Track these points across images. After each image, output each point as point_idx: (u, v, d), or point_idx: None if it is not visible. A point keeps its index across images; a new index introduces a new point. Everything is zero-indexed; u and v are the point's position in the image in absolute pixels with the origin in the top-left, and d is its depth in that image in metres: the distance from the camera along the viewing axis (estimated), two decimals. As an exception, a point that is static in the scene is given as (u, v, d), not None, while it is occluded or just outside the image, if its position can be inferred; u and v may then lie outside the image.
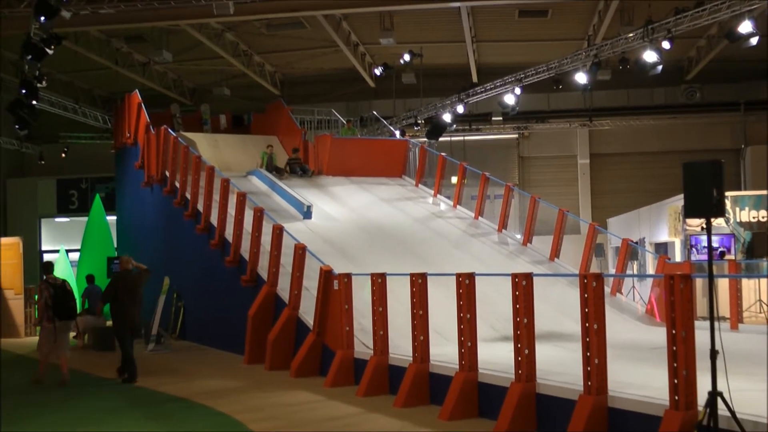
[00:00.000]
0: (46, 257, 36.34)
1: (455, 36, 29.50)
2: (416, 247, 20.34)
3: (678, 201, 22.74)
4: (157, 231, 24.95)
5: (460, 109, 29.43)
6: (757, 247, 22.08)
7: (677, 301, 8.33)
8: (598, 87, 30.26)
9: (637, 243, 23.46)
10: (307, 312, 15.90)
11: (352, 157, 26.57)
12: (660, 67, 22.71)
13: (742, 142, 33.86)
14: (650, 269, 24.31)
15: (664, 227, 24.71)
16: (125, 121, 27.98)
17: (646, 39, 22.32)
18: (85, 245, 27.88)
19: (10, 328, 24.54)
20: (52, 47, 19.80)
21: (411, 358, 12.42)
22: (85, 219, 29.54)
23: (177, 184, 22.62)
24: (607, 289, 18.51)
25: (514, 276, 10.50)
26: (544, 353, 11.56)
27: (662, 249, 24.64)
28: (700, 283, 19.29)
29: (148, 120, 25.43)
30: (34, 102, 22.70)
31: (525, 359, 10.25)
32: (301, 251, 16.18)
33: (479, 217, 23.40)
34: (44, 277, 15.85)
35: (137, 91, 27.23)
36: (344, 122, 29.71)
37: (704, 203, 8.03)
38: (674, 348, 8.31)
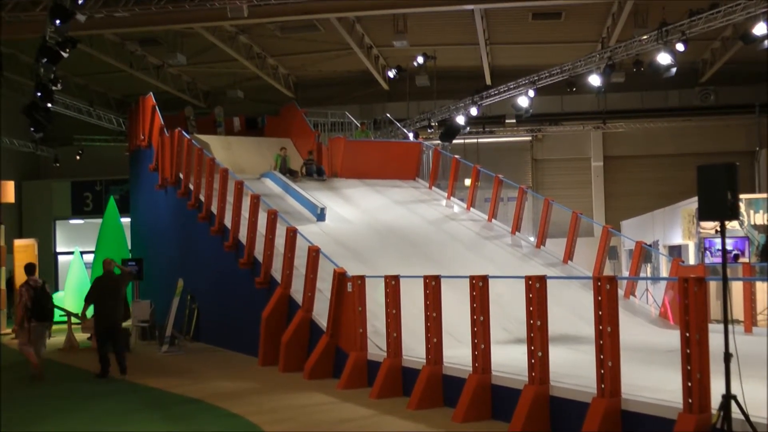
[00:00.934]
0: (61, 259, 36.53)
1: (469, 38, 29.51)
2: (430, 249, 20.35)
3: (692, 204, 22.68)
4: (171, 233, 25.02)
5: (474, 111, 29.45)
6: (772, 249, 21.99)
7: (691, 304, 8.31)
8: (611, 89, 30.23)
9: (650, 246, 23.40)
10: (321, 314, 15.92)
11: (365, 160, 26.58)
12: (674, 70, 22.69)
13: (756, 144, 33.71)
14: (664, 272, 24.25)
15: (677, 230, 24.65)
16: (139, 123, 28.06)
17: (660, 41, 22.28)
18: (100, 247, 27.94)
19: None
20: (67, 50, 19.91)
21: (424, 360, 12.42)
22: (99, 221, 29.61)
23: (191, 187, 22.67)
24: (621, 292, 18.47)
25: (528, 278, 10.50)
26: (558, 356, 11.56)
27: (676, 252, 24.58)
28: (713, 286, 19.21)
29: (162, 123, 25.49)
30: (50, 105, 22.81)
31: (538, 361, 10.25)
32: (314, 253, 16.19)
33: (493, 220, 23.39)
34: (26, 280, 16.39)
35: (151, 93, 27.32)
36: (358, 125, 29.73)
37: (719, 206, 8.02)
38: (688, 351, 8.29)
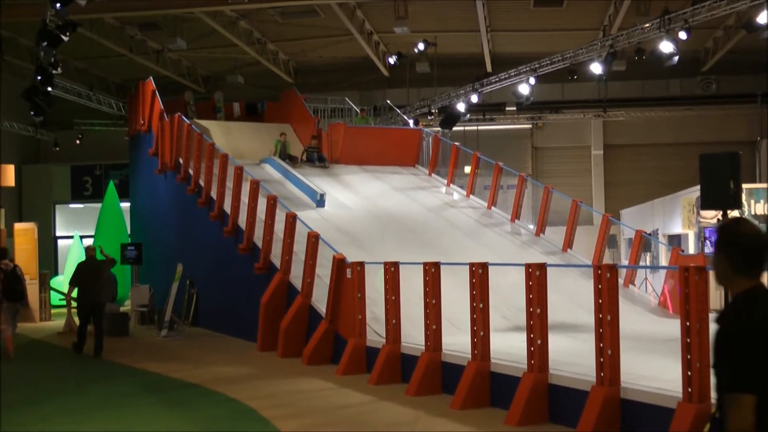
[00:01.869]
0: (61, 243, 36.52)
1: (470, 25, 29.42)
2: (429, 236, 20.34)
3: (692, 193, 22.67)
4: (171, 218, 25.02)
5: (474, 98, 29.36)
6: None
7: (692, 293, 8.31)
8: (613, 77, 30.12)
9: (650, 235, 23.39)
10: (320, 300, 15.93)
11: (365, 146, 26.55)
12: (676, 58, 22.61)
13: (758, 134, 33.67)
14: (663, 261, 24.27)
15: (677, 219, 24.65)
16: (139, 108, 28.02)
17: (662, 29, 22.19)
18: (99, 232, 27.95)
19: (26, 314, 24.66)
20: (68, 34, 19.84)
21: (423, 347, 12.44)
22: (99, 205, 29.60)
23: (191, 172, 22.66)
24: (620, 281, 18.48)
25: (528, 266, 10.50)
26: (557, 344, 11.56)
27: (675, 241, 24.59)
28: (713, 276, 19.20)
29: (162, 107, 25.46)
30: (49, 89, 22.74)
31: (537, 349, 10.25)
32: (314, 239, 16.19)
33: (492, 207, 23.37)
34: None
35: (151, 78, 27.28)
36: (358, 111, 29.68)
37: (721, 195, 8.01)
38: (688, 340, 8.30)
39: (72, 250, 28.17)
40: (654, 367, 10.62)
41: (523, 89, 27.38)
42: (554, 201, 22.00)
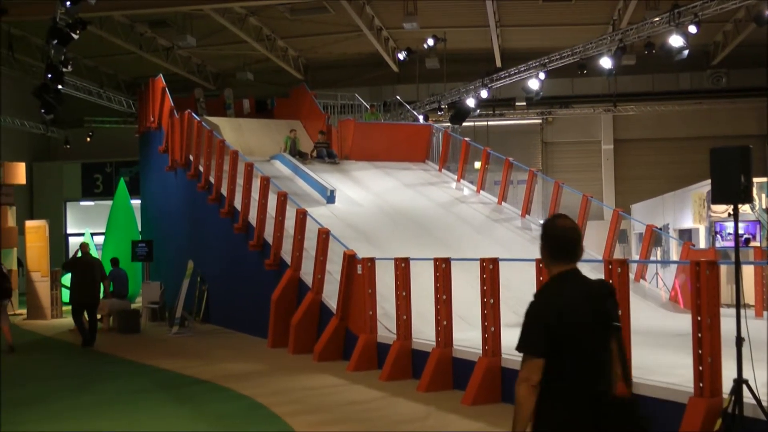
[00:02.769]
0: (72, 241, 36.64)
1: (479, 21, 29.40)
2: (439, 232, 20.33)
3: (702, 187, 22.59)
4: (181, 215, 25.05)
5: (484, 94, 29.32)
6: (783, 233, 21.91)
7: (703, 288, 8.28)
8: (622, 72, 30.03)
9: (661, 229, 23.34)
10: (331, 296, 15.93)
11: (375, 142, 26.54)
12: (686, 52, 22.52)
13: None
14: (674, 256, 24.19)
15: (688, 213, 24.57)
16: (149, 105, 28.05)
17: (672, 23, 22.12)
18: (110, 229, 28.01)
19: (37, 311, 24.74)
20: (78, 32, 19.89)
21: (434, 343, 12.44)
22: (109, 203, 29.65)
23: (201, 169, 22.68)
24: (631, 276, 18.43)
25: (539, 261, 10.48)
26: (568, 339, 11.51)
27: (686, 235, 24.51)
28: (724, 270, 19.16)
29: (172, 104, 25.49)
30: (60, 87, 22.80)
31: (548, 345, 10.22)
32: (324, 235, 16.19)
33: (502, 203, 23.35)
34: None
35: (161, 75, 27.31)
36: (367, 107, 29.67)
37: (732, 189, 7.97)
38: (699, 335, 8.27)
39: (83, 248, 28.24)
40: (665, 362, 10.59)
41: (533, 84, 27.31)
42: (564, 196, 21.95)
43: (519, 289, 14.87)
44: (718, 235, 21.78)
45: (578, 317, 4.51)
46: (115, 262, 22.73)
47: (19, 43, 29.00)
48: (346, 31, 30.88)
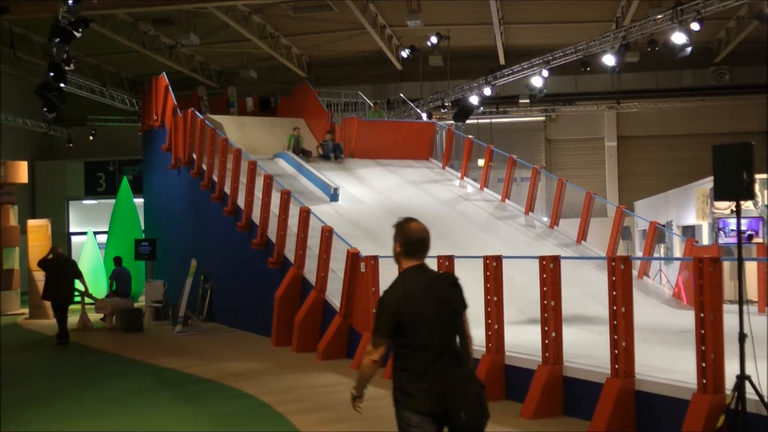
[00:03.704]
0: (74, 239, 36.66)
1: (483, 18, 29.38)
2: (443, 229, 20.28)
3: (706, 184, 22.57)
4: (184, 213, 25.05)
5: (487, 91, 29.29)
6: (786, 230, 21.88)
7: (706, 285, 8.28)
8: (626, 69, 30.02)
9: (664, 226, 23.32)
10: (334, 294, 15.93)
11: (378, 140, 26.54)
12: (689, 49, 22.49)
13: (771, 124, 33.56)
14: (677, 252, 24.17)
15: (691, 210, 24.55)
16: (152, 103, 28.04)
17: (675, 20, 22.09)
18: (113, 228, 28.03)
19: (39, 310, 24.71)
20: (80, 30, 19.91)
21: (437, 341, 12.40)
22: (112, 201, 29.67)
23: (204, 167, 22.67)
24: (635, 272, 18.43)
25: (542, 259, 10.48)
26: (571, 336, 11.52)
27: (689, 232, 24.48)
28: (727, 267, 19.15)
29: (175, 103, 25.47)
30: (62, 85, 22.81)
31: (552, 342, 10.23)
32: (327, 234, 16.18)
33: (506, 200, 23.35)
34: None
35: (164, 74, 27.29)
36: (371, 105, 29.68)
37: (734, 186, 7.96)
38: (702, 331, 8.26)
39: (86, 247, 28.24)
40: (668, 359, 10.59)
41: (536, 82, 27.28)
42: (568, 193, 21.96)
43: (523, 286, 14.95)
44: (721, 232, 21.76)
45: (420, 304, 5.37)
46: (118, 260, 22.74)
47: (21, 41, 29.03)
48: (350, 28, 30.87)
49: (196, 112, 24.04)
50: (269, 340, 17.36)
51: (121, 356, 16.71)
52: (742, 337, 7.81)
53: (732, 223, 21.15)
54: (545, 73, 26.97)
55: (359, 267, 14.82)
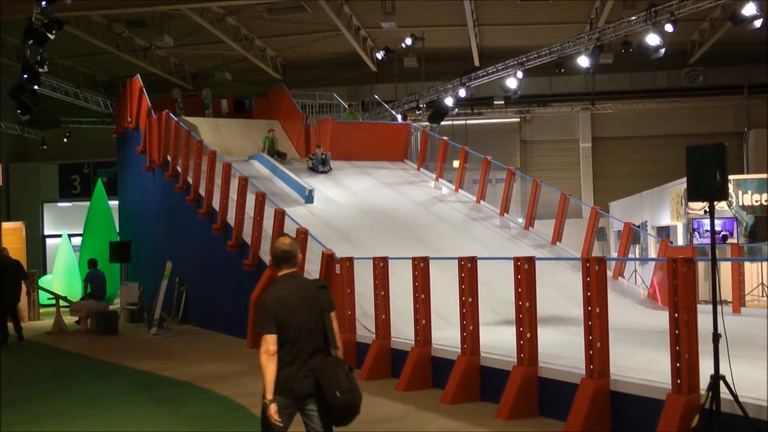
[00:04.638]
0: (49, 242, 36.42)
1: (457, 20, 29.43)
2: (418, 231, 20.34)
3: (680, 185, 22.72)
4: (159, 215, 24.96)
5: (462, 93, 29.31)
6: (760, 230, 22.06)
7: (680, 285, 8.31)
8: (600, 70, 30.16)
9: (639, 227, 23.44)
10: (309, 296, 15.86)
11: (353, 142, 26.54)
12: (663, 51, 22.60)
13: (745, 125, 33.72)
14: (652, 253, 24.31)
15: (666, 211, 24.70)
16: (127, 105, 27.94)
17: (648, 22, 22.20)
18: (88, 230, 27.89)
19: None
20: (54, 32, 19.79)
21: (413, 342, 12.44)
22: (87, 204, 29.54)
23: (179, 169, 22.61)
24: (610, 273, 18.50)
25: (516, 260, 10.49)
26: (546, 337, 11.57)
27: (664, 233, 24.64)
28: (702, 267, 19.28)
29: (150, 105, 25.38)
30: (36, 87, 22.66)
31: (527, 343, 10.26)
32: (303, 235, 16.17)
33: (481, 201, 23.38)
34: None
35: (139, 75, 27.17)
36: (346, 106, 29.66)
37: (707, 186, 8.00)
38: (677, 332, 8.30)
39: (60, 249, 28.09)
40: (643, 359, 10.63)
41: (511, 83, 27.35)
42: (543, 194, 22.01)
43: (498, 287, 14.99)
44: (696, 232, 21.91)
45: (290, 306, 6.23)
46: (93, 263, 22.62)
47: (-6, 43, 28.83)
48: (324, 30, 30.83)
49: (171, 114, 23.96)
50: (245, 342, 17.31)
51: (96, 359, 16.62)
52: (716, 337, 7.84)
53: (706, 223, 21.30)
54: (520, 74, 27.01)
55: (334, 268, 14.82)
